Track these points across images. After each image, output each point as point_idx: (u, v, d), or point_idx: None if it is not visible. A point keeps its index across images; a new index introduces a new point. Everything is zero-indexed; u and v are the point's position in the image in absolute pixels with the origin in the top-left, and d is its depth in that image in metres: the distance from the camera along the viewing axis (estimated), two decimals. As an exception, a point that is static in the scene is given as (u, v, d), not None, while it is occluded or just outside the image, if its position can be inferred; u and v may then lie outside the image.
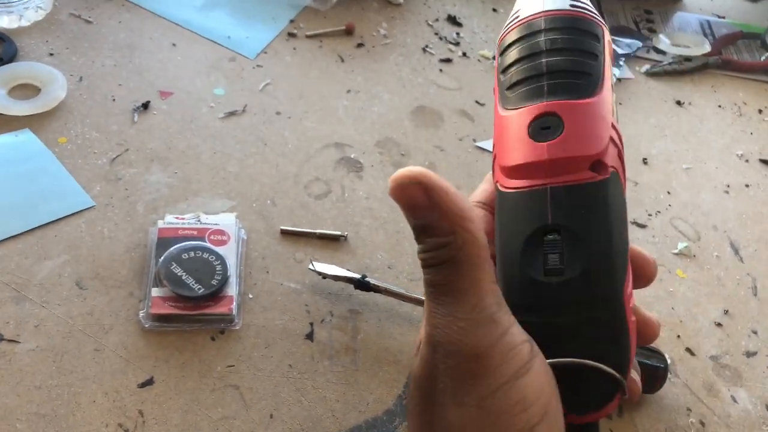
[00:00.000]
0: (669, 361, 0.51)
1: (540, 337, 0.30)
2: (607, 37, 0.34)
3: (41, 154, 0.57)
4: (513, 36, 0.34)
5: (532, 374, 0.28)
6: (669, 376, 0.51)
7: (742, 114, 0.82)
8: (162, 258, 0.49)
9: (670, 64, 0.86)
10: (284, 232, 0.55)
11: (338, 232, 0.56)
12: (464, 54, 0.80)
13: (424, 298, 0.51)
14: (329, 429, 0.45)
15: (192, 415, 0.44)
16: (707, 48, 0.88)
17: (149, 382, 0.45)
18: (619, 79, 0.82)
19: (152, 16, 0.73)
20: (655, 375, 0.50)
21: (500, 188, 0.33)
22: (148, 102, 0.63)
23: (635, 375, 0.34)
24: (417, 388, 0.30)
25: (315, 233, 0.56)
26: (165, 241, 0.51)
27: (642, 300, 0.33)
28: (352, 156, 0.64)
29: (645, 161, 0.72)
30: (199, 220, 0.53)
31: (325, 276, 0.52)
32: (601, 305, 0.31)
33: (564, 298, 0.30)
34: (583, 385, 0.31)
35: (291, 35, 0.75)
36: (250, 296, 0.51)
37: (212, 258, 0.50)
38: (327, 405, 0.46)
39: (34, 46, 0.66)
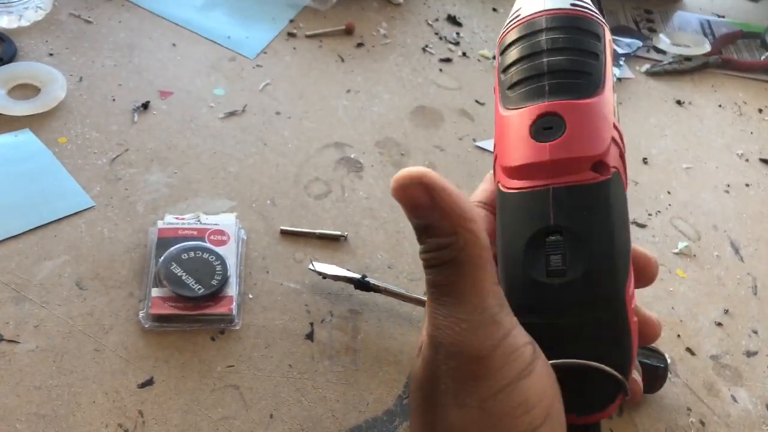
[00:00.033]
0: (669, 361, 0.51)
1: (542, 338, 0.30)
2: (608, 36, 0.34)
3: (41, 154, 0.57)
4: (514, 35, 0.34)
5: (535, 376, 0.28)
6: (669, 375, 0.51)
7: (742, 113, 0.82)
8: (162, 258, 0.49)
9: (670, 63, 0.86)
10: (284, 232, 0.55)
11: (338, 232, 0.56)
12: (464, 54, 0.80)
13: (424, 298, 0.51)
14: (329, 429, 0.45)
15: (192, 415, 0.44)
16: (707, 47, 0.88)
17: (149, 383, 0.45)
18: (619, 79, 0.82)
19: (152, 16, 0.73)
20: (656, 375, 0.50)
21: (502, 188, 0.33)
22: (148, 102, 0.63)
23: (636, 375, 0.34)
24: (419, 389, 0.30)
25: (315, 233, 0.56)
26: (165, 241, 0.51)
27: (642, 300, 0.33)
28: (352, 156, 0.64)
29: (645, 161, 0.72)
30: (199, 221, 0.53)
31: (325, 276, 0.52)
32: (604, 306, 0.31)
33: (566, 300, 0.30)
34: (585, 385, 0.31)
35: (291, 35, 0.75)
36: (250, 296, 0.51)
37: (212, 258, 0.50)
38: (327, 405, 0.46)
39: (33, 46, 0.66)
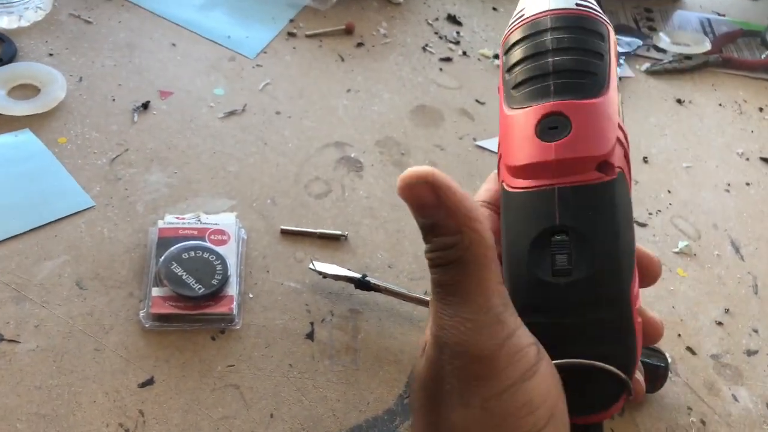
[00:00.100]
0: (670, 360, 0.51)
1: (547, 338, 0.30)
2: (613, 36, 0.34)
3: (41, 155, 0.57)
4: (518, 35, 0.34)
5: (539, 377, 0.28)
6: (670, 375, 0.51)
7: (742, 112, 0.82)
8: (162, 258, 0.49)
9: (670, 62, 0.86)
10: (284, 232, 0.55)
11: (338, 232, 0.56)
12: (464, 53, 0.80)
13: (424, 297, 0.51)
14: (330, 428, 0.45)
15: (192, 414, 0.44)
16: (707, 46, 0.88)
17: (149, 382, 0.45)
18: (619, 78, 0.82)
19: (152, 15, 0.73)
20: (656, 374, 0.50)
21: (506, 188, 0.33)
22: (148, 102, 0.63)
23: (639, 376, 0.34)
24: (422, 389, 0.30)
25: (315, 233, 0.56)
26: (165, 240, 0.51)
27: (643, 299, 0.33)
28: (353, 155, 0.64)
29: (645, 160, 0.72)
30: (199, 220, 0.53)
31: (325, 275, 0.52)
32: (609, 306, 0.31)
33: (571, 299, 0.30)
34: (588, 385, 0.31)
35: (291, 35, 0.75)
36: (251, 296, 0.51)
37: (212, 258, 0.50)
38: (327, 404, 0.46)
39: (33, 47, 0.66)
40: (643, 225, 0.64)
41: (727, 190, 0.71)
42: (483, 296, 0.28)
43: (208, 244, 0.51)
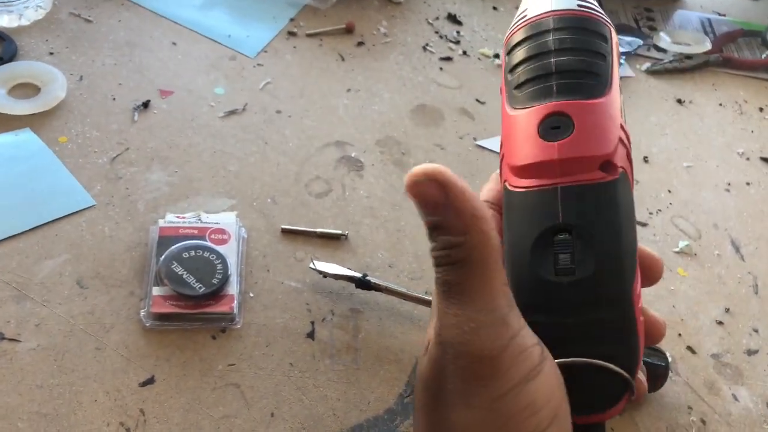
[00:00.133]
0: (670, 360, 0.51)
1: (549, 337, 0.30)
2: (615, 37, 0.34)
3: (41, 154, 0.57)
4: (520, 35, 0.34)
5: (542, 377, 0.28)
6: (670, 374, 0.51)
7: (742, 112, 0.82)
8: (163, 257, 0.49)
9: (670, 62, 0.86)
10: (285, 231, 0.55)
11: (339, 231, 0.56)
12: (464, 52, 0.80)
13: (425, 296, 0.51)
14: (330, 428, 0.45)
15: (193, 413, 0.44)
16: (708, 46, 0.88)
17: (150, 381, 0.45)
18: (620, 78, 0.82)
19: (152, 14, 0.73)
20: (656, 373, 0.50)
21: (509, 187, 0.33)
22: (149, 101, 0.63)
23: (641, 375, 0.34)
24: (425, 389, 0.30)
25: (315, 232, 0.56)
26: (166, 240, 0.51)
27: (643, 299, 0.33)
28: (353, 155, 0.64)
29: (646, 159, 0.72)
30: (199, 219, 0.53)
31: (325, 275, 0.52)
32: (611, 305, 0.31)
33: (575, 298, 0.30)
34: (591, 385, 0.31)
35: (291, 34, 0.75)
36: (251, 295, 0.51)
37: (213, 257, 0.50)
38: (328, 404, 0.46)
39: (34, 45, 0.66)
40: (643, 224, 0.64)
41: (728, 190, 0.71)
42: (488, 296, 0.28)
43: (209, 244, 0.51)
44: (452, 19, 0.84)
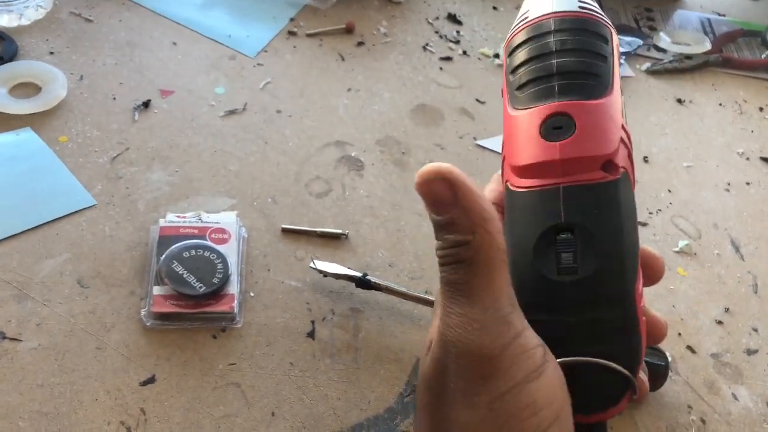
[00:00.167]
0: (670, 359, 0.51)
1: (552, 336, 0.30)
2: (615, 39, 0.34)
3: (42, 153, 0.57)
4: (522, 37, 0.34)
5: (544, 379, 0.28)
6: (670, 374, 0.51)
7: (742, 112, 0.82)
8: (163, 256, 0.49)
9: (670, 62, 0.86)
10: (285, 231, 0.55)
11: (339, 231, 0.56)
12: (464, 52, 0.80)
13: (425, 296, 0.51)
14: (331, 427, 0.45)
15: (194, 413, 0.44)
16: (708, 46, 0.88)
17: (151, 380, 0.45)
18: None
19: (152, 14, 0.73)
20: (656, 373, 0.50)
21: (511, 188, 0.33)
22: (149, 101, 0.63)
23: (643, 375, 0.34)
24: (427, 388, 0.30)
25: (316, 231, 0.56)
26: (166, 239, 0.51)
27: (643, 298, 0.33)
28: (353, 154, 0.64)
29: (646, 159, 0.72)
30: (200, 219, 0.53)
31: (326, 274, 0.52)
32: (614, 304, 0.31)
33: (577, 297, 0.30)
34: (593, 384, 0.31)
35: (291, 34, 0.76)
36: (252, 294, 0.51)
37: (213, 256, 0.50)
38: (328, 403, 0.46)
39: (34, 45, 0.66)
40: (643, 224, 0.64)
41: (728, 190, 0.71)
42: (491, 297, 0.28)
43: (209, 243, 0.51)
44: (452, 18, 0.84)
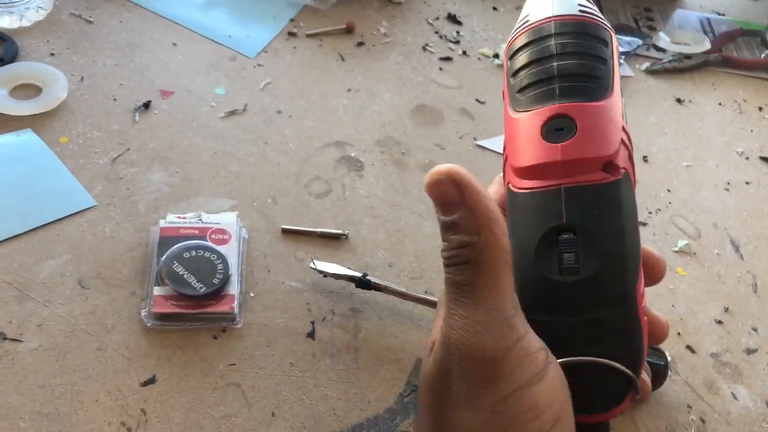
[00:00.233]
0: (669, 359, 0.51)
1: (554, 337, 0.30)
2: (615, 42, 0.35)
3: (43, 154, 0.57)
4: (523, 40, 0.34)
5: (546, 381, 0.28)
6: (669, 373, 0.51)
7: (742, 111, 0.82)
8: (163, 257, 0.49)
9: (670, 61, 0.86)
10: (285, 231, 0.56)
11: (339, 231, 0.56)
12: (464, 52, 0.80)
13: (425, 296, 0.51)
14: (331, 427, 0.45)
15: (194, 413, 0.44)
16: (707, 45, 0.88)
17: (151, 381, 0.45)
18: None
19: (153, 15, 0.73)
20: (656, 372, 0.50)
21: (513, 189, 0.33)
22: (149, 101, 0.63)
23: (645, 376, 0.34)
24: (430, 390, 0.30)
25: (316, 232, 0.56)
26: (166, 240, 0.51)
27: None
28: (353, 155, 0.64)
29: (645, 159, 0.72)
30: (200, 220, 0.53)
31: (326, 274, 0.52)
32: (616, 304, 0.31)
33: (579, 298, 0.31)
34: (595, 385, 0.31)
35: (291, 34, 0.76)
36: (252, 295, 0.51)
37: (214, 257, 0.50)
38: (328, 403, 0.46)
39: (35, 46, 0.66)
40: (643, 224, 0.64)
41: (727, 189, 0.71)
42: (495, 299, 0.28)
43: (210, 244, 0.51)
44: (452, 19, 0.85)
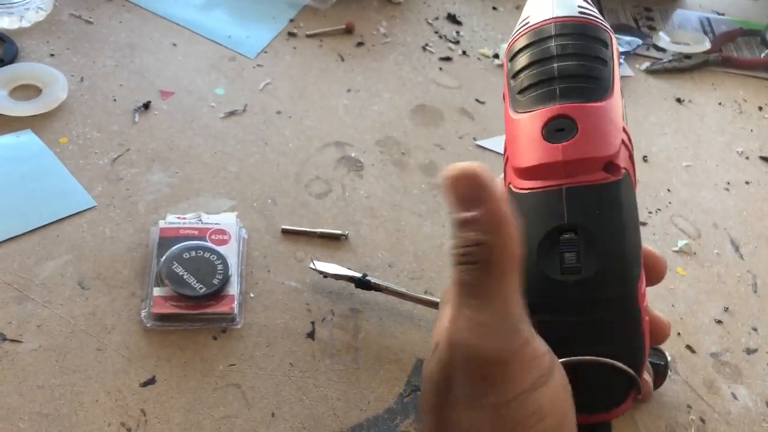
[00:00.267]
0: (669, 359, 0.51)
1: (555, 336, 0.30)
2: (615, 44, 0.35)
3: (42, 155, 0.57)
4: (523, 41, 0.34)
5: (551, 385, 0.28)
6: (669, 373, 0.51)
7: (742, 111, 0.82)
8: (163, 257, 0.49)
9: (670, 61, 0.86)
10: (285, 232, 0.56)
11: (339, 231, 0.56)
12: (464, 52, 0.80)
13: (425, 296, 0.51)
14: (331, 427, 0.45)
15: (194, 413, 0.44)
16: (707, 45, 0.88)
17: (151, 381, 0.45)
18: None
19: (153, 16, 0.73)
20: (656, 372, 0.50)
21: (514, 189, 0.33)
22: (149, 102, 0.63)
23: (647, 376, 0.34)
24: (432, 390, 0.30)
25: (316, 232, 0.56)
26: (166, 240, 0.51)
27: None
28: (353, 155, 0.64)
29: (645, 159, 0.72)
30: (200, 220, 0.53)
31: (326, 275, 0.52)
32: (617, 304, 0.31)
33: (581, 297, 0.31)
34: (597, 384, 0.31)
35: (291, 35, 0.76)
36: (252, 295, 0.51)
37: (213, 257, 0.50)
38: (328, 403, 0.46)
39: (35, 47, 0.66)
40: (643, 224, 0.64)
41: (727, 189, 0.71)
42: (503, 302, 0.28)
43: (209, 244, 0.51)
44: (452, 19, 0.85)
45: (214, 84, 0.67)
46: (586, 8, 0.34)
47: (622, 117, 0.33)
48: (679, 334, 0.55)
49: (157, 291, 0.48)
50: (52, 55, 0.66)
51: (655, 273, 0.35)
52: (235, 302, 0.49)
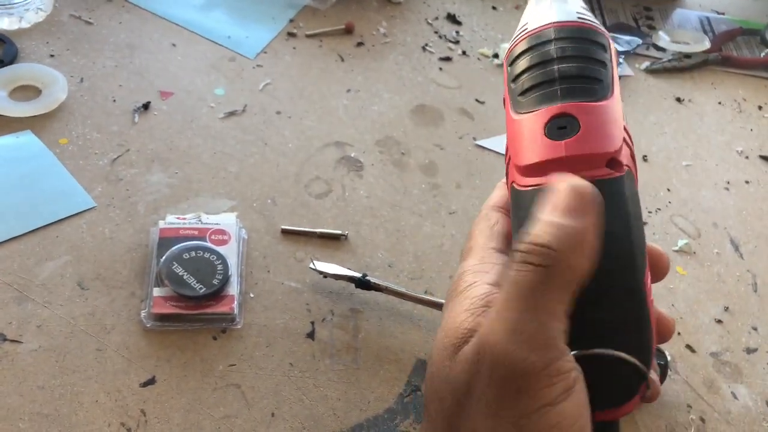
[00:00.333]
0: (669, 358, 0.51)
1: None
2: (613, 47, 0.35)
3: (42, 155, 0.57)
4: (522, 46, 0.35)
5: (572, 401, 0.28)
6: (669, 373, 0.51)
7: (742, 110, 0.82)
8: (163, 258, 0.49)
9: (669, 61, 0.86)
10: (285, 232, 0.56)
11: (339, 231, 0.56)
12: (464, 52, 0.80)
13: (425, 296, 0.51)
14: (330, 427, 0.45)
15: (194, 414, 0.44)
16: (707, 45, 0.88)
17: (151, 382, 0.45)
18: (619, 77, 0.82)
19: (152, 16, 0.73)
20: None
21: (517, 188, 0.33)
22: (149, 102, 0.63)
23: (654, 375, 0.34)
24: (451, 392, 0.30)
25: (315, 232, 0.56)
26: (166, 241, 0.51)
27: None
28: (353, 155, 0.64)
29: (645, 158, 0.72)
30: (200, 220, 0.53)
31: (325, 275, 0.52)
32: (625, 298, 0.31)
33: (587, 292, 0.31)
34: (605, 380, 0.31)
35: (291, 35, 0.76)
36: (252, 295, 0.51)
37: (213, 258, 0.50)
38: (328, 403, 0.46)
39: (34, 48, 0.66)
40: (643, 223, 0.64)
41: (727, 189, 0.71)
42: (549, 314, 0.28)
43: (209, 244, 0.51)
44: (451, 19, 0.85)
45: (213, 84, 0.67)
46: (584, 14, 0.35)
47: (622, 119, 0.34)
48: (679, 333, 0.55)
49: (156, 291, 0.48)
50: (51, 55, 0.66)
51: (658, 269, 0.35)
52: (235, 302, 0.49)
